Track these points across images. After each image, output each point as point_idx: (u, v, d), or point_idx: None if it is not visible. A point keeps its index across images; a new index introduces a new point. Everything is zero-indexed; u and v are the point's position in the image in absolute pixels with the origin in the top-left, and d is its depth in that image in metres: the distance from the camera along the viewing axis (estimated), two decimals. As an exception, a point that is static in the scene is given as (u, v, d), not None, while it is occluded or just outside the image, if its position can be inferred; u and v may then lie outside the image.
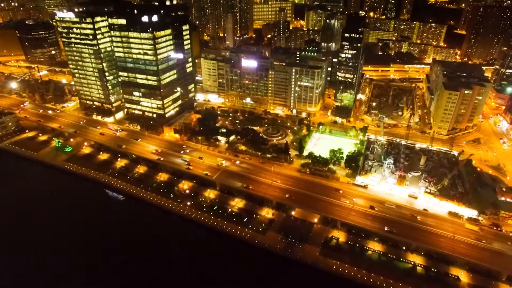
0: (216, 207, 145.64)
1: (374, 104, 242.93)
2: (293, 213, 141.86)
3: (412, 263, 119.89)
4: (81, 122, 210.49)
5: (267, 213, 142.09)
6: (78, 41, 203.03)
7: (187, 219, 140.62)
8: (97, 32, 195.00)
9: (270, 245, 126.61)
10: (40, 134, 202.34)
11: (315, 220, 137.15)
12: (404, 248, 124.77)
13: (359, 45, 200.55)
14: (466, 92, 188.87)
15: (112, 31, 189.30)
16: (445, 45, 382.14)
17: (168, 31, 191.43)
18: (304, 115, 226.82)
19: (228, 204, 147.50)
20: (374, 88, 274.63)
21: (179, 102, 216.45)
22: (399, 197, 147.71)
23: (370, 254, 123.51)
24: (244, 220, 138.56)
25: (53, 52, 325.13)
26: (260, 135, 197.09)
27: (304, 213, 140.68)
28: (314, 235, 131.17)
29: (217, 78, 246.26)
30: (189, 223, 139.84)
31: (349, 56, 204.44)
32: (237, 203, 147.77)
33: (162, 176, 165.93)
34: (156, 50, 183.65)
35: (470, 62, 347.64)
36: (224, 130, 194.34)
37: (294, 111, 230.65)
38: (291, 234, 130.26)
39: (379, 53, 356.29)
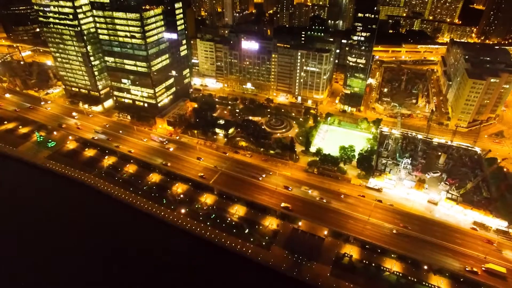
0: (214, 215, 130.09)
1: (385, 90, 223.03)
2: (300, 223, 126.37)
3: (436, 287, 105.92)
4: (120, 132, 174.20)
5: (271, 223, 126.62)
6: (57, 21, 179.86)
7: (181, 229, 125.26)
8: (77, 11, 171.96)
9: (274, 263, 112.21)
10: (21, 126, 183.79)
11: (325, 233, 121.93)
12: (425, 268, 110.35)
13: (373, 26, 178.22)
14: (492, 80, 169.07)
15: (94, 10, 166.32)
16: (460, 22, 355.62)
17: (159, 10, 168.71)
18: (310, 102, 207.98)
19: (227, 212, 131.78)
20: (385, 71, 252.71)
21: (173, 89, 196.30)
22: (417, 203, 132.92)
23: (388, 275, 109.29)
24: (246, 231, 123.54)
25: (38, 29, 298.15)
26: (263, 127, 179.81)
27: (312, 224, 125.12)
28: (324, 251, 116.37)
29: (214, 61, 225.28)
30: (183, 234, 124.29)
31: (362, 39, 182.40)
32: (237, 211, 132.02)
33: (154, 177, 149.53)
34: (145, 33, 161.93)
35: (488, 41, 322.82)
36: (223, 122, 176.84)
37: (299, 98, 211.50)
38: (298, 250, 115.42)
39: (390, 31, 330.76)
